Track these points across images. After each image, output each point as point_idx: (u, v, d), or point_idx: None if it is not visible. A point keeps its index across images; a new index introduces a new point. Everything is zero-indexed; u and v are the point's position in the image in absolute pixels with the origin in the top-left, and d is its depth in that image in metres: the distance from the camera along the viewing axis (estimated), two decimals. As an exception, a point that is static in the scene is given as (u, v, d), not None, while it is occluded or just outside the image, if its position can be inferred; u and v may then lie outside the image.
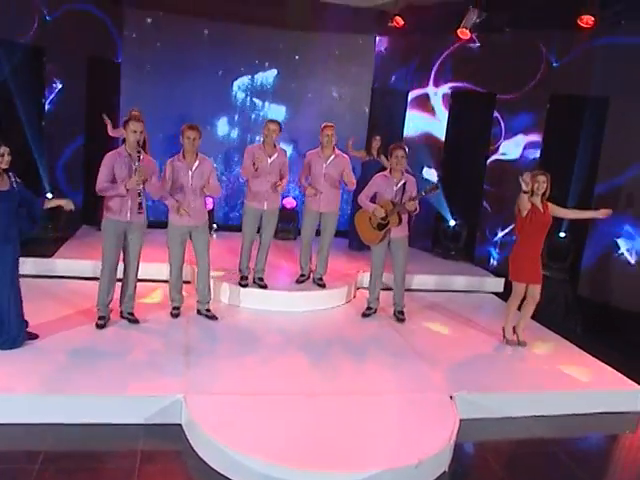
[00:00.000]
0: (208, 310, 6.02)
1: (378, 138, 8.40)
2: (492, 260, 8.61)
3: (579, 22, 6.81)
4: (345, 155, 6.71)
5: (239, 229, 6.69)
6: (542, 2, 7.13)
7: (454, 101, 8.74)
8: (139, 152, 5.19)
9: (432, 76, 8.99)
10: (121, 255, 5.52)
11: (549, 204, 5.61)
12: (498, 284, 7.95)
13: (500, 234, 8.55)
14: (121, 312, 5.71)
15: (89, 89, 8.42)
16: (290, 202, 9.43)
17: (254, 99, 9.61)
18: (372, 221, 6.18)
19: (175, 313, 5.95)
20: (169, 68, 9.06)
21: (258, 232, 6.52)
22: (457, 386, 4.86)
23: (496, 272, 8.19)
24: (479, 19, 7.86)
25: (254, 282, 6.57)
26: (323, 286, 6.78)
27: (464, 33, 7.99)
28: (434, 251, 8.81)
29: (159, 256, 7.05)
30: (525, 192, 5.40)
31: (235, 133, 9.71)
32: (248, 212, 6.40)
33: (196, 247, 5.84)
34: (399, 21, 8.83)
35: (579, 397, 5.06)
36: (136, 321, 5.65)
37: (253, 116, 9.62)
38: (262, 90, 9.60)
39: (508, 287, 7.69)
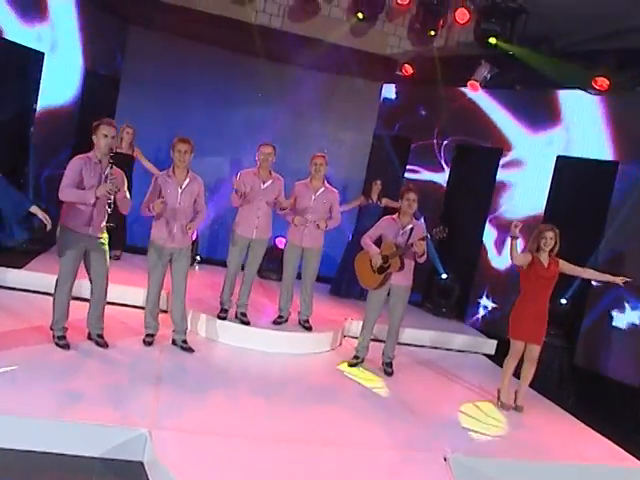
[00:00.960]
0: (184, 341, 5.60)
1: (379, 183, 8.21)
2: (482, 319, 8.27)
3: (593, 84, 6.73)
4: (335, 190, 6.42)
5: (223, 263, 6.32)
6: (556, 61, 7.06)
7: (458, 153, 8.61)
8: (111, 159, 4.81)
9: (437, 127, 8.85)
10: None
11: (560, 261, 5.37)
12: (490, 346, 7.64)
13: (485, 299, 8.25)
14: (89, 334, 5.27)
15: (84, 101, 8.11)
16: (281, 242, 9.03)
17: (250, 131, 9.36)
18: (373, 263, 5.88)
19: (148, 341, 5.52)
20: (169, 90, 8.87)
21: (243, 266, 6.19)
22: (450, 447, 4.44)
23: (486, 332, 7.87)
24: (490, 74, 7.80)
25: (236, 317, 6.18)
26: (309, 329, 6.40)
27: (474, 86, 7.92)
28: (424, 306, 8.47)
29: (138, 281, 6.72)
30: (514, 237, 5.14)
31: (227, 163, 9.41)
32: (235, 240, 6.08)
33: (175, 272, 5.48)
34: (408, 69, 8.79)
35: (581, 470, 4.66)
36: (104, 344, 5.20)
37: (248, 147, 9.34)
38: (259, 124, 9.36)
39: (501, 350, 7.49)
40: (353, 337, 6.93)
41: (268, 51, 8.83)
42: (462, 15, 8.41)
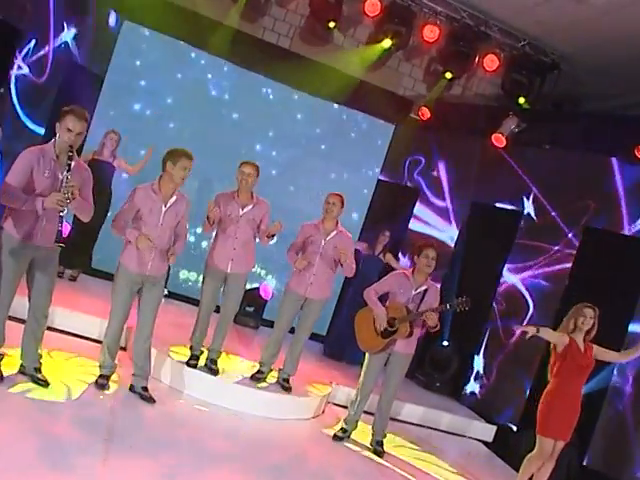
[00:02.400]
0: (145, 389, 5.00)
1: (387, 234, 7.82)
2: (481, 398, 7.77)
3: (636, 152, 6.45)
4: (349, 234, 5.96)
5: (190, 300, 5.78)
6: (595, 123, 6.81)
7: (472, 213, 8.25)
8: (70, 157, 4.09)
9: (452, 180, 8.52)
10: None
11: (594, 346, 4.94)
12: (488, 432, 7.12)
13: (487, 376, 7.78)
14: (22, 366, 4.55)
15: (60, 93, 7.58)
16: (266, 290, 8.43)
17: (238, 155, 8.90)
18: (377, 325, 5.41)
19: (101, 383, 4.90)
20: (157, 96, 8.42)
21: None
22: None
23: (484, 414, 7.37)
24: (518, 128, 7.53)
25: (205, 365, 5.59)
26: (288, 390, 5.82)
27: (499, 140, 7.65)
28: (415, 377, 7.89)
29: (94, 309, 6.11)
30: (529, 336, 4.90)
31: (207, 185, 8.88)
32: (208, 274, 5.56)
33: (144, 304, 4.90)
34: (425, 113, 8.50)
35: None
36: (44, 382, 4.52)
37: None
38: (250, 150, 8.94)
39: (500, 438, 6.99)
40: (337, 405, 6.43)
41: (272, 69, 8.59)
42: (492, 62, 8.26)
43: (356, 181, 9.17)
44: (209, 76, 8.73)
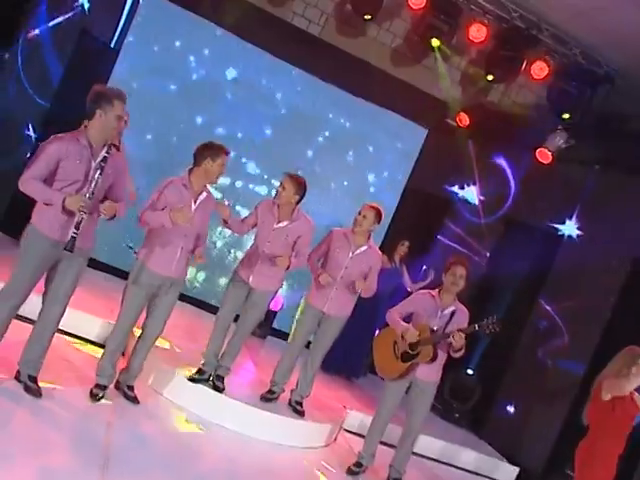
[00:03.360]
0: (131, 388, 4.79)
1: (406, 244, 7.55)
2: (504, 434, 7.43)
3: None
4: (379, 251, 5.67)
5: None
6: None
7: (507, 231, 7.97)
8: (110, 148, 3.92)
9: (487, 193, 8.21)
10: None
11: (635, 394, 4.61)
12: (510, 473, 6.82)
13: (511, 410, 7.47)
14: (18, 373, 4.25)
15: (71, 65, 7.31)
16: (276, 301, 8.09)
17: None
18: (397, 347, 5.14)
19: (97, 394, 4.58)
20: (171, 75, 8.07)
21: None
22: None
23: (506, 453, 7.09)
24: (566, 144, 7.23)
25: (209, 379, 5.30)
26: (301, 414, 5.51)
27: (545, 155, 7.35)
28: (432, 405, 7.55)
29: (96, 307, 5.86)
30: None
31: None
32: (233, 283, 5.29)
33: (156, 307, 4.65)
34: (464, 119, 8.19)
35: None
36: (37, 392, 4.19)
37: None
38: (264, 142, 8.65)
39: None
40: (351, 432, 6.15)
41: (299, 57, 8.33)
42: (540, 69, 7.93)
43: (380, 184, 8.86)
44: (232, 57, 8.44)
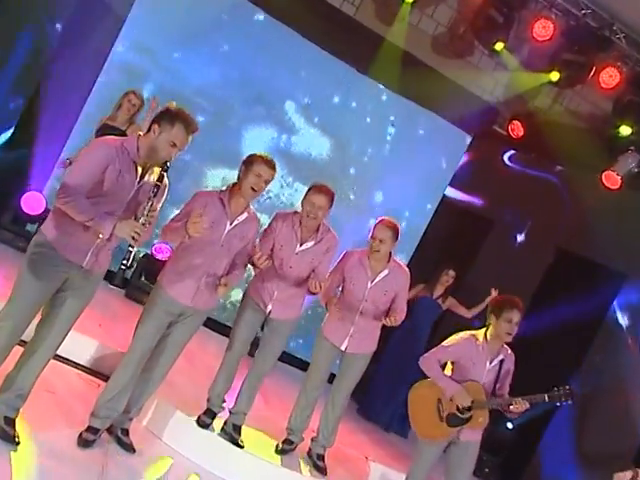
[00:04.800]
0: (126, 432, 4.27)
1: (451, 274, 7.11)
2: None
3: None
4: (406, 270, 5.10)
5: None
6: None
7: (556, 261, 7.53)
8: (160, 181, 3.54)
9: (538, 215, 7.76)
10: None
11: None
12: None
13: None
14: None
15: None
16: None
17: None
18: (442, 407, 4.61)
19: (88, 438, 4.03)
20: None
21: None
22: None
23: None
24: (638, 168, 6.79)
25: (223, 430, 4.79)
26: (323, 471, 5.00)
27: (612, 180, 6.89)
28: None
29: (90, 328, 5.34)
30: None
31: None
32: (246, 309, 4.78)
33: (172, 336, 4.20)
34: (517, 129, 7.69)
35: None
36: (12, 438, 3.63)
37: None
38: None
39: None
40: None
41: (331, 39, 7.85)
42: (610, 77, 7.43)
43: (413, 191, 8.36)
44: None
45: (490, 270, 7.97)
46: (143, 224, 3.40)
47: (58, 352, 4.77)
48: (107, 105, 6.31)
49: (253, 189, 4.10)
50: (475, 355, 4.56)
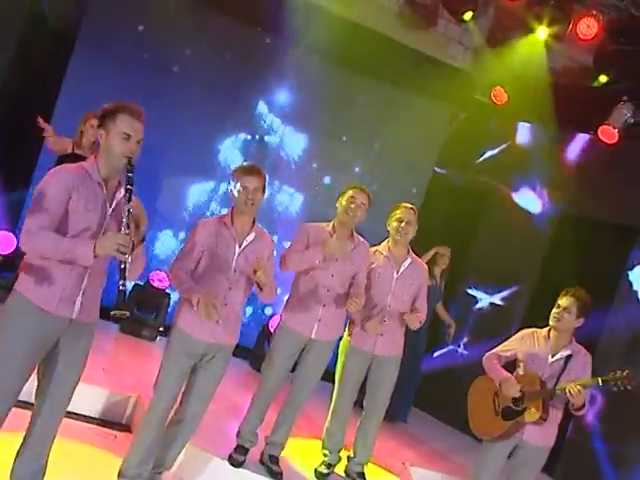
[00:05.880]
0: None
1: (448, 254, 6.75)
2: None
3: None
4: (424, 264, 4.99)
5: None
6: None
7: (562, 226, 7.27)
8: (130, 177, 3.09)
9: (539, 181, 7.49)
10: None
11: None
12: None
13: None
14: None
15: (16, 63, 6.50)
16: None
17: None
18: (498, 401, 4.41)
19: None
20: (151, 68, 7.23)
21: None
22: None
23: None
24: (634, 119, 6.53)
25: (261, 461, 4.51)
26: (367, 487, 4.75)
27: (609, 134, 6.61)
28: (554, 471, 6.57)
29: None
30: None
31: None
32: (284, 336, 4.47)
33: (200, 379, 3.90)
34: (501, 95, 7.39)
35: None
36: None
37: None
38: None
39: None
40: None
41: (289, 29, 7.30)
42: (589, 27, 7.14)
43: (407, 179, 8.13)
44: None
45: (492, 245, 7.74)
46: (127, 234, 2.98)
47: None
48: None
49: (247, 203, 3.81)
50: (536, 348, 4.39)
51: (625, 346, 6.51)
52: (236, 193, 3.83)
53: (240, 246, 3.88)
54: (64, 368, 3.18)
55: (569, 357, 4.32)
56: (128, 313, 3.06)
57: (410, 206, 4.72)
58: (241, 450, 4.42)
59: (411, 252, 4.80)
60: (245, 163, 4.15)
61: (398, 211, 4.68)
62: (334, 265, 4.37)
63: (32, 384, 3.23)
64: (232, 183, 3.87)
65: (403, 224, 4.62)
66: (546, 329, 4.40)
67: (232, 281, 3.85)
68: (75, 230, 3.04)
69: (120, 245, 2.90)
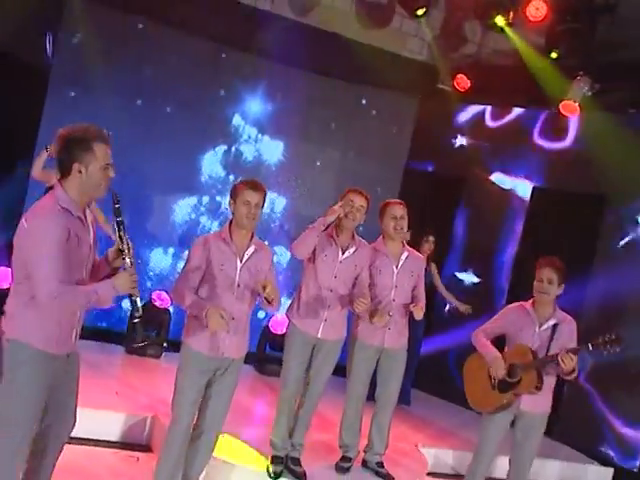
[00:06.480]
0: None
1: (432, 240, 7.03)
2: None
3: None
4: (421, 255, 5.22)
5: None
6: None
7: (535, 203, 7.54)
8: (118, 216, 3.12)
9: (509, 161, 7.74)
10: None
11: None
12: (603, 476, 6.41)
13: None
14: None
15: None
16: (280, 323, 7.38)
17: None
18: (492, 375, 4.61)
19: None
20: (126, 95, 7.34)
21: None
22: None
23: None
24: (592, 91, 6.81)
25: (284, 465, 4.67)
26: (388, 478, 4.92)
27: (571, 108, 6.89)
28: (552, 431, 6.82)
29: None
30: None
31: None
32: (294, 339, 4.64)
33: (214, 395, 4.03)
34: (463, 82, 7.63)
35: None
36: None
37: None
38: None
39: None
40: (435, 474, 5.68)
41: (253, 41, 7.54)
42: (537, 10, 7.39)
43: (382, 174, 8.27)
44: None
45: (471, 228, 7.98)
46: (132, 264, 3.07)
47: (86, 435, 4.66)
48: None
49: (248, 217, 3.92)
50: (523, 321, 4.57)
51: (608, 308, 6.79)
52: (237, 207, 3.91)
53: (241, 260, 3.96)
54: (65, 397, 3.23)
55: (555, 325, 4.53)
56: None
57: (399, 201, 4.92)
58: (277, 460, 4.59)
59: (405, 245, 4.98)
60: (247, 179, 4.13)
61: (389, 208, 4.82)
62: (337, 267, 4.54)
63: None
64: (233, 197, 3.96)
65: (398, 220, 4.78)
66: (530, 301, 4.60)
67: (237, 295, 3.94)
68: (74, 268, 3.01)
69: (134, 282, 3.03)
